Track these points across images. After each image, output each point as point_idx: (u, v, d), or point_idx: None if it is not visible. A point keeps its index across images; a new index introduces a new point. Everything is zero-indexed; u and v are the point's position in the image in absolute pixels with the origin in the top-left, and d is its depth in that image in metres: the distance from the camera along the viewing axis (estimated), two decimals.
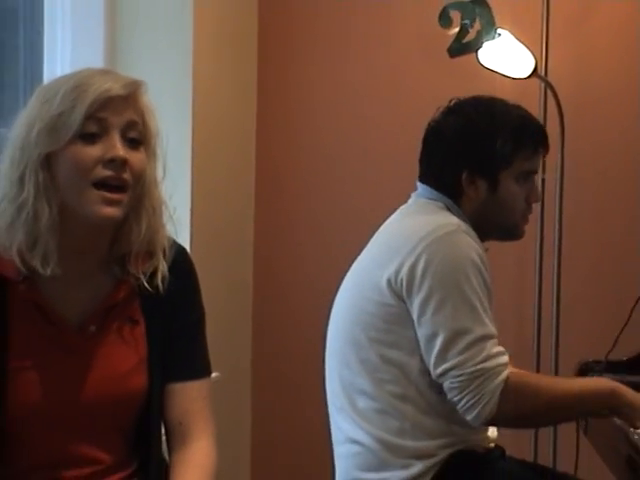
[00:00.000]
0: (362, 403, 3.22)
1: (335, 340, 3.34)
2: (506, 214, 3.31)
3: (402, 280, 3.12)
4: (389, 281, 3.15)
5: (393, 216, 3.38)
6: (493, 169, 3.27)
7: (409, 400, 3.17)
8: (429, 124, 3.38)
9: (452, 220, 3.21)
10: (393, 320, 3.17)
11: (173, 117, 3.15)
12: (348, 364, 3.25)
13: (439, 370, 3.08)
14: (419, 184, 3.37)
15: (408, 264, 3.12)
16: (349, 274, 3.37)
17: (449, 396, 3.09)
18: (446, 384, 3.09)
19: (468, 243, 3.16)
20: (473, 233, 3.20)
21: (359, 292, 3.27)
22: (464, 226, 3.19)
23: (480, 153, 3.28)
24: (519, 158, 3.29)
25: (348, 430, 3.26)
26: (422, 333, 3.11)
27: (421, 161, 3.39)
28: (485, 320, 3.10)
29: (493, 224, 3.32)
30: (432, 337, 3.09)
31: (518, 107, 3.36)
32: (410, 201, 3.39)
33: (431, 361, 3.10)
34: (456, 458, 3.19)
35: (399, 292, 3.14)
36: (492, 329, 3.11)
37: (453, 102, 3.37)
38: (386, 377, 3.18)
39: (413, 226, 3.25)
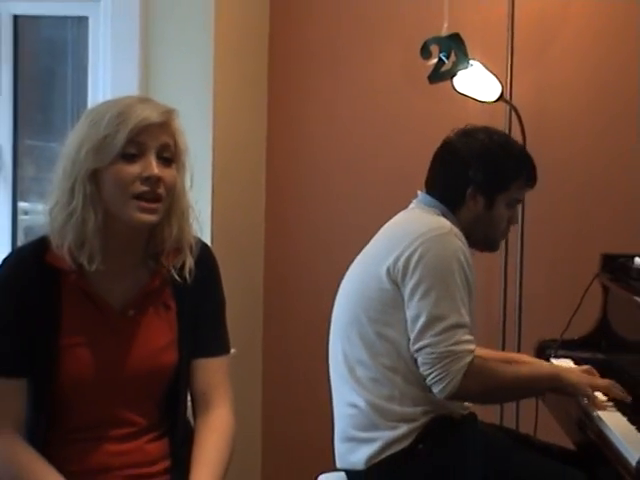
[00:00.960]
0: (360, 372, 3.25)
1: (339, 319, 3.36)
2: (492, 229, 3.37)
3: (399, 268, 3.16)
4: (388, 269, 3.18)
5: (395, 218, 3.41)
6: (493, 190, 3.32)
7: (399, 372, 3.19)
8: (444, 142, 3.40)
9: (446, 224, 3.24)
10: (389, 303, 3.19)
11: (197, 137, 3.17)
12: (349, 339, 3.28)
13: (416, 346, 3.12)
14: (420, 193, 3.39)
15: (405, 255, 3.16)
16: (354, 265, 3.40)
17: (421, 369, 3.12)
18: (420, 359, 3.12)
19: (457, 245, 3.19)
20: (463, 237, 3.23)
21: (362, 279, 3.30)
22: (456, 230, 3.23)
23: (487, 175, 3.30)
24: (514, 187, 3.34)
25: (347, 395, 3.28)
26: (409, 314, 3.14)
27: (430, 171, 3.41)
28: (461, 311, 3.13)
29: (480, 234, 3.35)
30: (415, 318, 3.12)
31: (520, 144, 3.44)
32: (410, 206, 3.41)
33: (412, 338, 3.13)
34: (435, 422, 3.21)
35: (395, 278, 3.17)
36: (466, 319, 3.14)
37: (468, 127, 3.40)
38: (381, 351, 3.21)
39: (412, 225, 3.28)
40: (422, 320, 3.12)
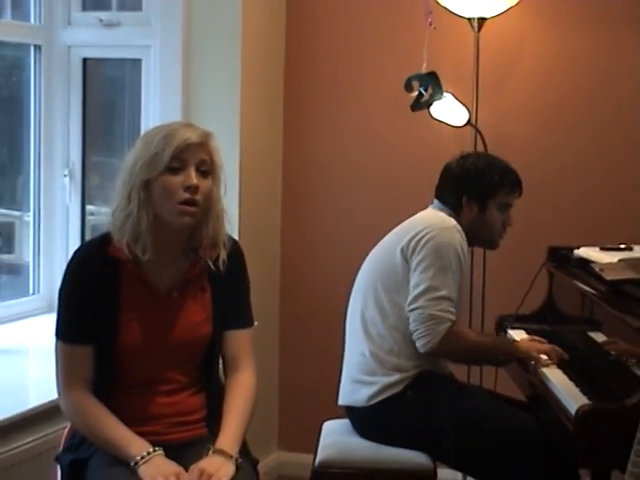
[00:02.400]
0: (371, 329, 3.32)
1: (360, 286, 3.42)
2: (487, 230, 3.42)
3: (410, 247, 3.25)
4: (402, 249, 3.27)
5: (417, 214, 3.46)
6: (484, 197, 3.37)
7: (399, 330, 3.26)
8: (447, 164, 3.47)
9: (452, 221, 3.33)
10: (400, 275, 3.27)
11: (227, 155, 3.17)
12: (367, 302, 3.34)
13: (411, 307, 3.20)
14: (435, 199, 3.45)
15: (416, 238, 3.25)
16: (375, 248, 3.46)
17: (411, 326, 3.20)
18: (411, 317, 3.19)
19: (457, 238, 3.27)
20: (464, 234, 3.31)
21: (382, 255, 3.38)
22: (459, 227, 3.31)
23: (476, 185, 3.38)
24: (502, 193, 3.40)
25: (358, 346, 3.34)
26: (411, 283, 3.22)
27: (438, 185, 3.46)
28: (451, 288, 3.20)
29: (478, 235, 3.41)
30: (415, 286, 3.20)
31: (506, 162, 3.46)
32: (429, 207, 3.48)
33: (409, 299, 3.20)
34: (422, 374, 3.27)
35: (406, 255, 3.26)
36: (453, 295, 3.21)
37: (464, 153, 3.52)
38: (389, 312, 3.28)
39: (425, 218, 3.39)
40: (420, 288, 3.20)
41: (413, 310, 3.19)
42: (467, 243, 3.33)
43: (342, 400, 3.40)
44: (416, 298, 3.19)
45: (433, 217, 3.37)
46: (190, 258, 2.63)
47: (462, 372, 4.04)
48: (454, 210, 3.39)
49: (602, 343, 3.09)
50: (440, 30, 4.21)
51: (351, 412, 3.37)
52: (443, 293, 3.19)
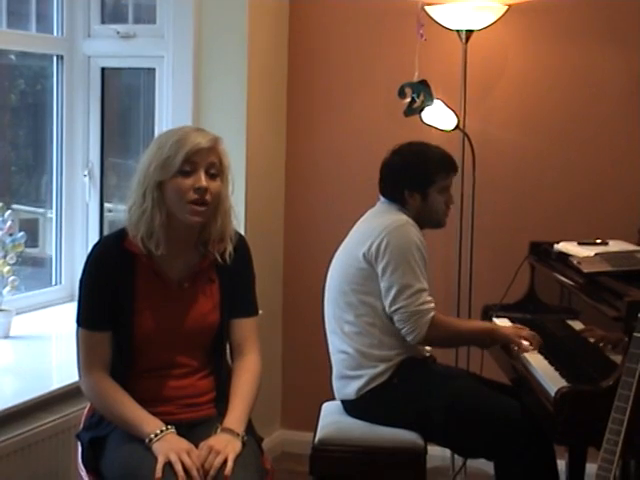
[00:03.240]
0: (347, 328, 3.29)
1: (330, 290, 3.39)
2: (434, 214, 3.37)
3: (372, 253, 3.20)
4: (364, 254, 3.22)
5: (365, 215, 3.43)
6: (423, 187, 3.33)
7: (376, 326, 3.23)
8: (383, 160, 3.41)
9: (403, 217, 3.27)
10: (367, 277, 3.23)
11: (235, 157, 3.17)
12: (338, 304, 3.31)
13: (392, 308, 3.17)
14: (381, 197, 3.41)
15: (376, 243, 3.20)
16: (339, 250, 3.42)
17: (397, 325, 3.17)
18: (396, 318, 3.17)
19: (413, 232, 3.23)
20: (416, 226, 3.26)
21: (346, 261, 3.32)
22: (411, 221, 3.26)
23: (414, 178, 3.33)
24: (439, 178, 3.34)
25: (338, 345, 3.32)
26: (383, 286, 3.18)
27: (380, 183, 3.42)
28: (421, 279, 3.17)
29: (426, 220, 3.36)
30: (389, 288, 3.16)
31: (437, 147, 3.40)
32: (377, 205, 3.43)
33: (387, 303, 3.17)
34: (405, 361, 3.25)
35: (370, 260, 3.21)
36: (426, 286, 3.18)
37: (396, 146, 3.42)
38: (362, 312, 3.25)
39: (378, 220, 3.31)
40: (394, 289, 3.16)
41: (395, 311, 3.17)
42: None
43: (336, 395, 3.39)
44: (395, 299, 3.16)
45: (385, 217, 3.30)
46: (200, 252, 2.63)
47: (450, 358, 4.04)
48: (400, 204, 3.33)
49: (580, 331, 3.09)
50: (431, 42, 4.20)
51: (344, 404, 3.36)
52: (417, 287, 3.16)
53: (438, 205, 3.36)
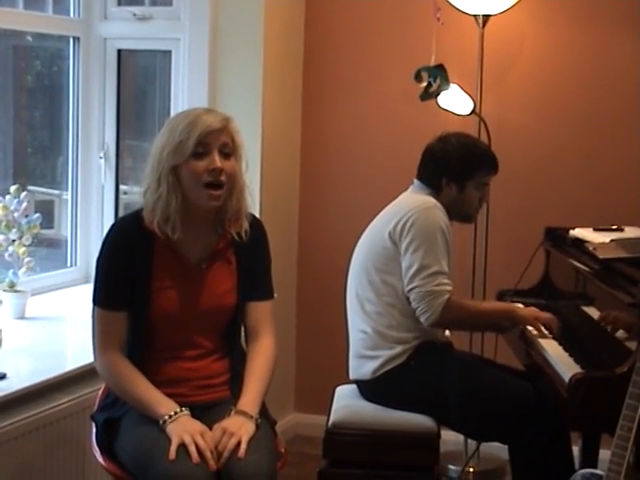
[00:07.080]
0: (368, 307, 3.29)
1: (355, 268, 3.39)
2: (466, 207, 3.38)
3: (397, 231, 3.21)
4: (389, 232, 3.23)
5: (399, 197, 3.43)
6: (462, 179, 3.33)
7: (396, 307, 3.24)
8: (427, 146, 3.41)
9: (432, 200, 3.28)
10: (390, 257, 3.24)
11: (250, 135, 3.18)
12: (361, 283, 3.32)
13: (409, 287, 3.17)
14: (415, 180, 3.41)
15: (402, 222, 3.21)
16: (367, 230, 3.42)
17: (412, 304, 3.17)
18: (411, 296, 3.17)
19: (440, 215, 3.24)
20: (444, 210, 3.26)
21: (372, 240, 3.34)
22: (439, 205, 3.26)
23: (455, 168, 3.33)
24: (479, 174, 3.35)
25: (358, 324, 3.32)
26: (404, 264, 3.19)
27: (419, 166, 3.42)
28: (442, 262, 3.17)
29: (457, 211, 3.36)
30: (409, 267, 3.17)
31: (483, 143, 3.46)
32: (410, 188, 3.44)
33: (406, 281, 3.17)
34: (423, 345, 3.26)
35: (394, 239, 3.22)
36: (446, 269, 3.18)
37: (444, 133, 3.42)
38: (384, 292, 3.25)
39: (407, 201, 3.33)
40: (414, 268, 3.16)
41: (411, 290, 3.17)
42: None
43: (351, 375, 3.39)
44: (412, 279, 3.16)
45: (414, 199, 3.31)
46: (217, 232, 2.64)
47: (464, 343, 4.04)
48: (434, 190, 3.34)
49: (598, 319, 3.07)
50: (448, 26, 4.20)
51: (359, 385, 3.37)
52: (436, 269, 3.16)
53: (472, 200, 3.37)
